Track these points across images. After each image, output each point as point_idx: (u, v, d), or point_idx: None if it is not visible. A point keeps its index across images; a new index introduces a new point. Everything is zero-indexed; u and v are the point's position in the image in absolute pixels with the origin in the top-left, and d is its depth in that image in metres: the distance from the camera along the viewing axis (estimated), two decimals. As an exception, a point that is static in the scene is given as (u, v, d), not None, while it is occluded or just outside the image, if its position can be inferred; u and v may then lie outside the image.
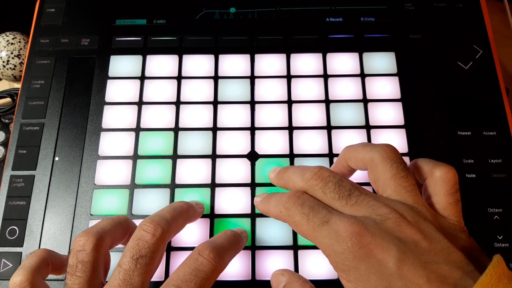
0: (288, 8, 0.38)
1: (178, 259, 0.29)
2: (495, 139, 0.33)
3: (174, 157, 0.32)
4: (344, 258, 0.20)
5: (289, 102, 0.34)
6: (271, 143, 0.33)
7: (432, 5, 0.37)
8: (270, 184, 0.30)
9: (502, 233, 0.30)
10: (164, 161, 0.32)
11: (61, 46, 0.36)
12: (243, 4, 0.38)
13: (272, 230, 0.30)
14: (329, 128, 0.33)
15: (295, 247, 0.30)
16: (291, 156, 0.32)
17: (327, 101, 0.34)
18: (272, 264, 0.29)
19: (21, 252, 0.30)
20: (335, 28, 0.37)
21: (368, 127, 0.33)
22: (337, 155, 0.32)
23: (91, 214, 0.31)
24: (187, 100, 0.34)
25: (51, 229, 0.31)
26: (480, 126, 0.33)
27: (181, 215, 0.27)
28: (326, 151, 0.32)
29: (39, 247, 0.30)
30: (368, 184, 0.30)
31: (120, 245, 0.27)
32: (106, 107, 0.34)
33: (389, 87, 0.35)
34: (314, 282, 0.24)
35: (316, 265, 0.29)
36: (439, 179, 0.23)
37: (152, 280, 0.25)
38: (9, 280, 0.25)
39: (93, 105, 0.34)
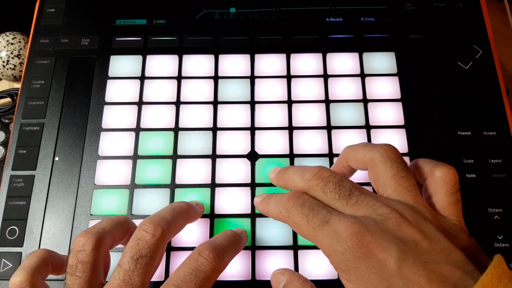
0: (288, 8, 0.38)
1: (178, 259, 0.29)
2: (495, 139, 0.33)
3: (174, 157, 0.32)
4: (345, 258, 0.20)
5: (289, 102, 0.34)
6: (271, 143, 0.33)
7: (432, 5, 0.37)
8: (270, 184, 0.30)
9: (502, 233, 0.30)
10: (164, 161, 0.32)
11: (61, 46, 0.36)
12: (243, 4, 0.38)
13: (272, 230, 0.30)
14: (329, 128, 0.33)
15: (295, 247, 0.30)
16: (291, 156, 0.32)
17: (327, 101, 0.34)
18: (272, 264, 0.29)
19: (21, 252, 0.30)
20: (335, 28, 0.37)
21: (368, 127, 0.33)
22: (337, 155, 0.32)
23: (91, 214, 0.31)
24: (187, 100, 0.34)
25: (51, 229, 0.31)
26: (480, 126, 0.33)
27: (181, 215, 0.27)
28: (326, 151, 0.32)
29: (39, 247, 0.30)
30: (368, 184, 0.30)
31: (120, 245, 0.27)
32: (106, 107, 0.34)
33: (389, 87, 0.35)
34: (314, 282, 0.24)
35: (316, 265, 0.29)
36: (440, 179, 0.23)
37: (152, 280, 0.25)
38: (9, 280, 0.25)
39: (93, 105, 0.34)
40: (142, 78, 0.35)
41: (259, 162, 0.32)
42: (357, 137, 0.33)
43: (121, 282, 0.22)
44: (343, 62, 0.35)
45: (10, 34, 0.41)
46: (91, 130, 0.33)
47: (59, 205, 0.31)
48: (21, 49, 0.41)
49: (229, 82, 0.35)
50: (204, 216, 0.30)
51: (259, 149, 0.32)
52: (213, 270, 0.23)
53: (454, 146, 0.33)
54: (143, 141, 0.33)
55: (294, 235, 0.30)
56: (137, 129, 0.33)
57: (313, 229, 0.22)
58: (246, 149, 0.32)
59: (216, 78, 0.35)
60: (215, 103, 0.34)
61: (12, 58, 0.41)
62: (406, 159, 0.32)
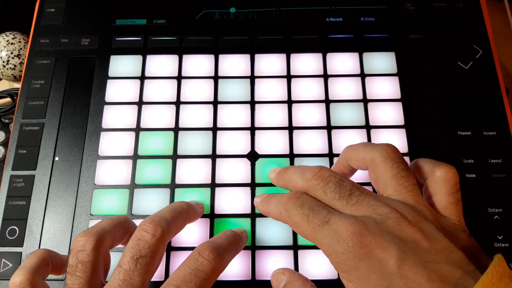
0: (288, 8, 0.38)
1: (178, 259, 0.29)
2: (495, 139, 0.33)
3: (174, 157, 0.32)
4: (345, 258, 0.20)
5: (289, 102, 0.34)
6: (271, 143, 0.33)
7: (432, 5, 0.37)
8: (270, 184, 0.30)
9: (502, 233, 0.30)
10: (164, 161, 0.32)
11: (61, 46, 0.36)
12: (243, 4, 0.38)
13: (272, 230, 0.30)
14: (329, 128, 0.33)
15: (295, 247, 0.30)
16: (291, 156, 0.32)
17: (327, 101, 0.34)
18: (272, 264, 0.29)
19: (21, 252, 0.30)
20: (335, 28, 0.37)
21: (368, 127, 0.33)
22: (337, 155, 0.32)
23: (91, 214, 0.31)
24: (187, 100, 0.34)
25: (51, 229, 0.31)
26: (480, 126, 0.33)
27: (181, 215, 0.27)
28: (326, 151, 0.32)
29: (39, 247, 0.30)
30: (368, 184, 0.30)
31: (120, 245, 0.27)
32: (106, 107, 0.34)
33: (389, 87, 0.35)
34: (314, 282, 0.24)
35: (316, 265, 0.29)
36: (440, 179, 0.23)
37: (152, 280, 0.25)
38: (9, 280, 0.25)
39: (93, 105, 0.34)
40: (142, 78, 0.35)
41: (259, 162, 0.32)
42: (357, 137, 0.33)
43: (121, 282, 0.22)
44: (343, 62, 0.35)
45: (10, 34, 0.41)
46: (91, 130, 0.33)
47: (59, 205, 0.31)
48: (21, 49, 0.41)
49: (229, 82, 0.35)
50: (204, 216, 0.30)
51: (259, 149, 0.32)
52: (213, 270, 0.23)
53: (454, 146, 0.33)
54: (143, 141, 0.33)
55: (294, 235, 0.30)
56: (137, 129, 0.33)
57: (313, 229, 0.22)
58: (246, 149, 0.32)
59: (216, 78, 0.35)
60: (215, 103, 0.34)
61: (12, 58, 0.41)
62: (406, 159, 0.32)
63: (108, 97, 0.34)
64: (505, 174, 0.31)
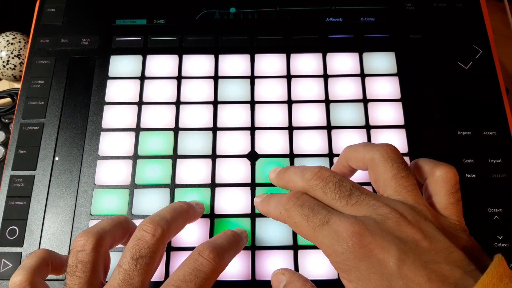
0: (288, 8, 0.38)
1: (178, 259, 0.29)
2: (495, 139, 0.33)
3: (174, 157, 0.32)
4: (345, 258, 0.20)
5: (289, 102, 0.34)
6: (271, 143, 0.33)
7: (432, 5, 0.37)
8: (270, 184, 0.30)
9: (502, 233, 0.30)
10: (164, 161, 0.32)
11: (61, 46, 0.36)
12: (243, 4, 0.38)
13: (272, 230, 0.30)
14: (329, 128, 0.33)
15: (295, 247, 0.30)
16: (291, 156, 0.32)
17: (327, 101, 0.34)
18: (272, 264, 0.29)
19: (21, 252, 0.30)
20: (335, 28, 0.37)
21: (368, 127, 0.33)
22: (337, 155, 0.32)
23: (91, 214, 0.31)
24: (187, 100, 0.34)
25: (51, 229, 0.31)
26: (480, 126, 0.33)
27: (181, 215, 0.27)
28: (326, 151, 0.32)
29: (39, 247, 0.30)
30: (368, 184, 0.30)
31: (120, 245, 0.27)
32: (106, 107, 0.34)
33: (389, 87, 0.35)
34: (314, 282, 0.24)
35: (316, 265, 0.29)
36: (440, 179, 0.23)
37: (152, 280, 0.25)
38: (9, 280, 0.25)
39: (93, 105, 0.34)
40: (142, 78, 0.35)
41: (259, 162, 0.32)
42: (357, 137, 0.33)
43: (121, 282, 0.22)
44: (343, 62, 0.35)
45: (10, 34, 0.41)
46: (91, 130, 0.33)
47: (59, 205, 0.31)
48: (21, 49, 0.41)
49: (229, 82, 0.35)
50: (204, 216, 0.30)
51: (259, 149, 0.32)
52: (213, 270, 0.23)
53: (454, 146, 0.33)
54: (143, 141, 0.33)
55: (294, 235, 0.30)
56: (137, 129, 0.33)
57: (313, 229, 0.22)
58: (246, 149, 0.32)
59: (216, 78, 0.35)
60: (215, 103, 0.34)
61: (12, 58, 0.41)
62: (406, 159, 0.32)
63: (108, 97, 0.34)
64: (505, 174, 0.31)
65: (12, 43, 0.41)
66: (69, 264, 0.23)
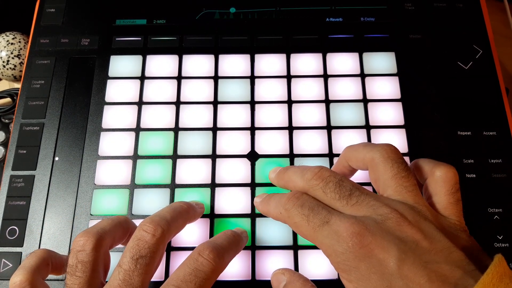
0: (288, 8, 0.38)
1: (178, 259, 0.29)
2: (495, 139, 0.33)
3: (174, 157, 0.32)
4: (345, 258, 0.20)
5: (289, 102, 0.34)
6: (271, 143, 0.33)
7: (432, 5, 0.37)
8: (270, 184, 0.30)
9: (502, 233, 0.30)
10: (164, 161, 0.32)
11: (61, 46, 0.36)
12: (243, 4, 0.38)
13: (272, 230, 0.30)
14: (329, 128, 0.33)
15: (295, 247, 0.30)
16: (291, 156, 0.32)
17: (327, 101, 0.34)
18: (272, 264, 0.29)
19: (21, 252, 0.30)
20: (335, 28, 0.37)
21: (368, 127, 0.33)
22: (337, 155, 0.32)
23: (91, 214, 0.31)
24: (187, 100, 0.34)
25: (51, 229, 0.31)
26: (480, 126, 0.33)
27: (181, 215, 0.27)
28: (326, 151, 0.32)
29: (39, 247, 0.30)
30: (368, 184, 0.30)
31: (120, 245, 0.27)
32: (106, 107, 0.34)
33: (389, 87, 0.35)
34: (314, 282, 0.24)
35: (316, 265, 0.29)
36: (440, 179, 0.23)
37: (152, 280, 0.25)
38: (9, 280, 0.25)
39: (93, 105, 0.34)
40: (142, 78, 0.35)
41: (259, 162, 0.32)
42: (357, 137, 0.33)
43: (121, 282, 0.22)
44: (343, 62, 0.35)
45: (10, 34, 0.41)
46: (91, 130, 0.33)
47: (59, 205, 0.31)
48: (21, 49, 0.41)
49: (229, 82, 0.35)
50: (204, 216, 0.30)
51: (259, 149, 0.32)
52: (213, 270, 0.23)
53: (454, 146, 0.33)
54: (143, 141, 0.33)
55: (294, 235, 0.30)
56: (137, 129, 0.33)
57: (313, 229, 0.22)
58: (246, 149, 0.32)
59: (216, 78, 0.35)
60: (215, 103, 0.34)
61: (12, 58, 0.41)
62: (406, 159, 0.32)
63: (108, 97, 0.34)
64: (505, 174, 0.31)
65: (12, 43, 0.41)
66: (69, 264, 0.23)
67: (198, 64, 0.35)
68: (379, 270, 0.20)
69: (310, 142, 0.33)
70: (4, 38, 0.41)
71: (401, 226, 0.21)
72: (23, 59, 0.41)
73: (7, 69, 0.41)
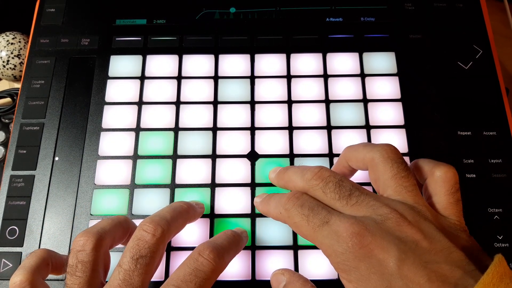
0: (288, 8, 0.38)
1: (178, 259, 0.29)
2: (495, 139, 0.33)
3: (174, 157, 0.32)
4: (345, 258, 0.20)
5: (289, 102, 0.34)
6: (271, 143, 0.33)
7: (432, 5, 0.37)
8: (270, 184, 0.30)
9: (502, 233, 0.30)
10: (164, 161, 0.32)
11: (61, 46, 0.36)
12: (243, 4, 0.38)
13: (272, 230, 0.30)
14: (329, 128, 0.33)
15: (295, 247, 0.30)
16: (291, 156, 0.32)
17: (327, 101, 0.34)
18: (272, 264, 0.29)
19: (21, 252, 0.30)
20: (335, 28, 0.37)
21: (368, 127, 0.33)
22: (337, 155, 0.32)
23: (91, 214, 0.31)
24: (187, 100, 0.34)
25: (51, 229, 0.31)
26: (480, 126, 0.33)
27: (181, 215, 0.27)
28: (326, 151, 0.32)
29: (39, 247, 0.30)
30: (368, 184, 0.30)
31: (120, 245, 0.27)
32: (106, 107, 0.34)
33: (389, 87, 0.35)
34: (314, 282, 0.24)
35: (316, 265, 0.29)
36: (440, 179, 0.23)
37: (152, 280, 0.25)
38: (9, 280, 0.25)
39: (93, 105, 0.34)
40: (142, 78, 0.35)
41: (259, 162, 0.32)
42: (357, 137, 0.33)
43: (121, 282, 0.22)
44: (343, 62, 0.35)
45: (10, 34, 0.41)
46: (91, 130, 0.33)
47: (59, 205, 0.31)
48: (21, 49, 0.41)
49: (229, 82, 0.35)
50: (204, 216, 0.30)
51: (259, 149, 0.32)
52: (213, 270, 0.23)
53: (454, 146, 0.33)
54: (143, 141, 0.33)
55: (294, 235, 0.30)
56: (137, 129, 0.33)
57: (313, 229, 0.22)
58: (246, 149, 0.32)
59: (216, 78, 0.35)
60: (215, 103, 0.34)
61: (12, 58, 0.41)
62: (406, 159, 0.32)
63: (108, 97, 0.34)
64: (505, 174, 0.31)
65: (12, 43, 0.41)
66: (69, 264, 0.23)
67: (198, 64, 0.35)
68: (379, 270, 0.20)
69: (310, 142, 0.33)
70: (4, 38, 0.41)
71: (401, 226, 0.21)
72: (23, 59, 0.41)
73: (7, 69, 0.41)
